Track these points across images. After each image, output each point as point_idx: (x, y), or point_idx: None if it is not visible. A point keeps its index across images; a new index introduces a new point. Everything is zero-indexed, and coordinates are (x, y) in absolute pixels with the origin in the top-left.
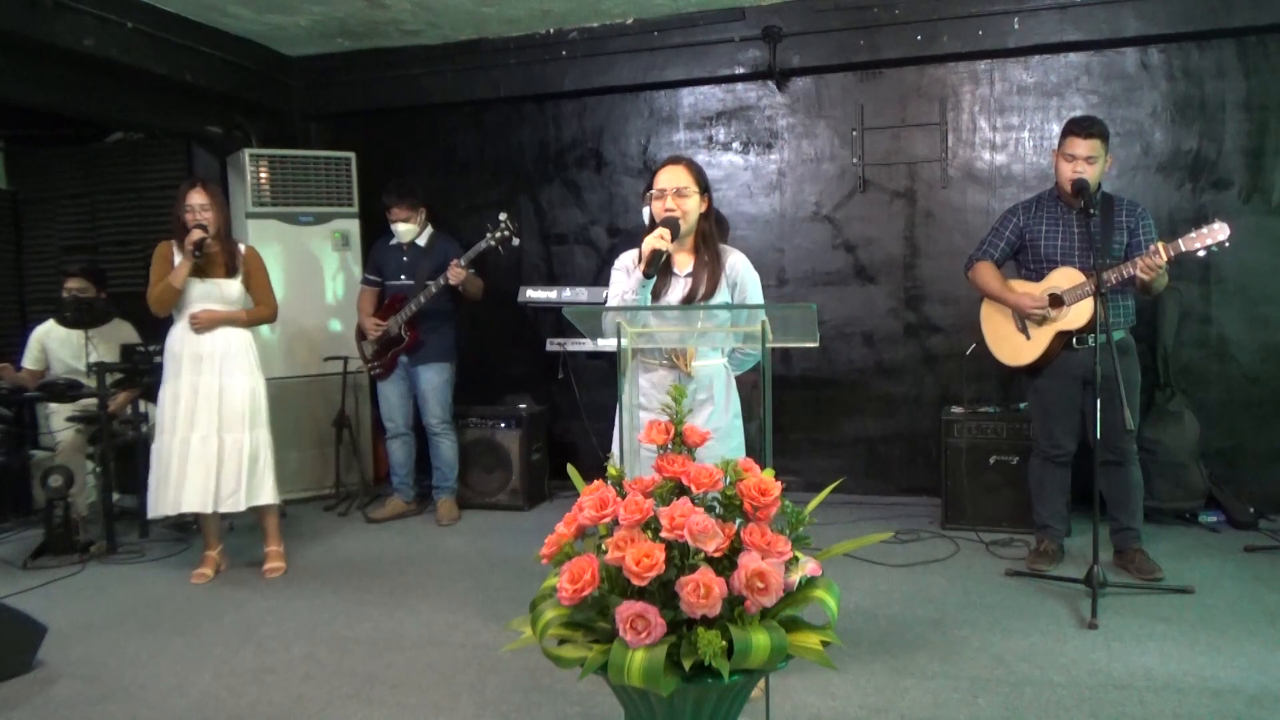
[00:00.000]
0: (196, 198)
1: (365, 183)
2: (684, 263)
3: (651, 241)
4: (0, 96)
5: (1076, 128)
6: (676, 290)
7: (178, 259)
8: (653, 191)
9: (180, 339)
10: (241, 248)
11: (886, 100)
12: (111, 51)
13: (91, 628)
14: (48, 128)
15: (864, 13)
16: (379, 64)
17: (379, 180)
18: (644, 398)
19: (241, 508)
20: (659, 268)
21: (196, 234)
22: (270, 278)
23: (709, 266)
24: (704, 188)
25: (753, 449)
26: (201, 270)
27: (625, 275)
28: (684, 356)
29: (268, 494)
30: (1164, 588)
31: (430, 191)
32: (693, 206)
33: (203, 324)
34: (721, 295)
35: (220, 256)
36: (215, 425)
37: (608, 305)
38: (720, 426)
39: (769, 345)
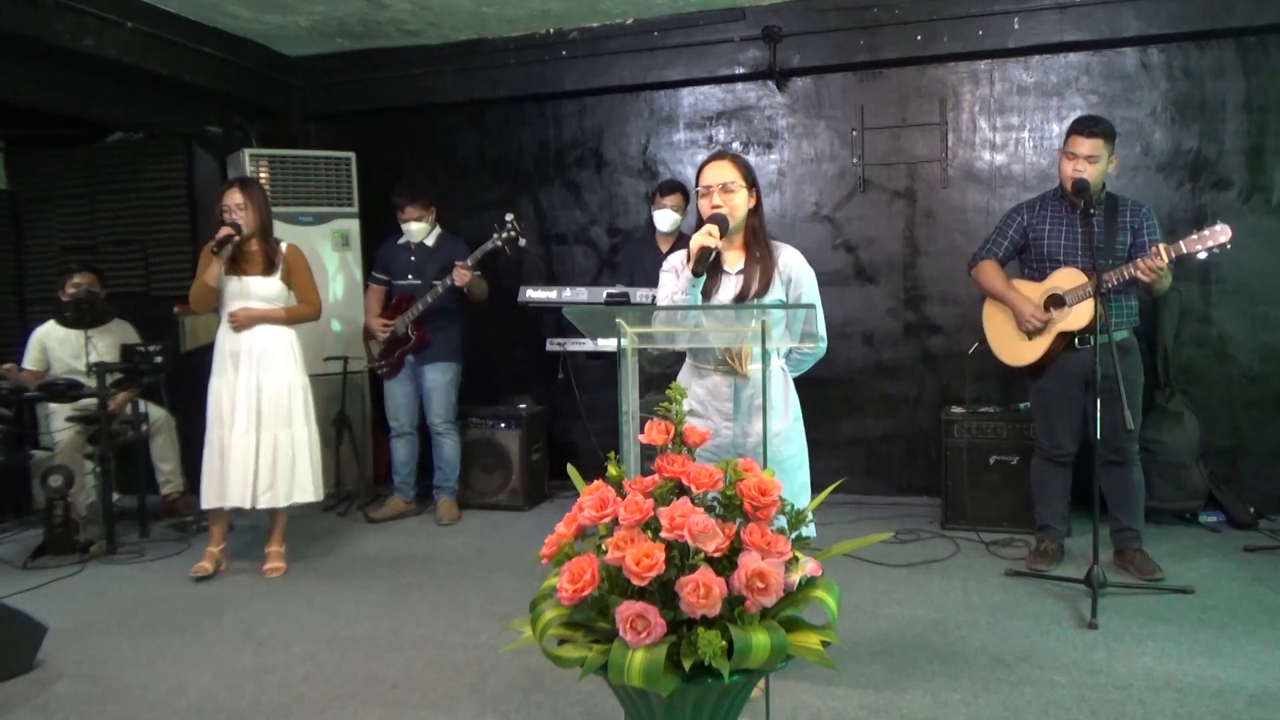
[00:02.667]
0: (232, 197)
1: (365, 183)
2: (734, 260)
3: (699, 238)
4: (0, 96)
5: (1080, 126)
6: (727, 289)
7: None
8: (697, 188)
9: (223, 337)
10: (283, 246)
11: (886, 100)
12: (111, 51)
13: (91, 628)
14: (48, 128)
15: (864, 13)
16: (379, 64)
17: (379, 180)
18: (699, 405)
19: (280, 504)
20: (708, 265)
21: (223, 231)
22: (312, 276)
23: (760, 263)
24: (751, 182)
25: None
26: (238, 268)
27: (674, 276)
28: (739, 358)
29: (308, 491)
30: (1164, 588)
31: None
32: (740, 202)
33: (241, 322)
34: (775, 293)
35: (259, 255)
36: (254, 423)
37: (657, 305)
38: (781, 431)
39: (770, 345)
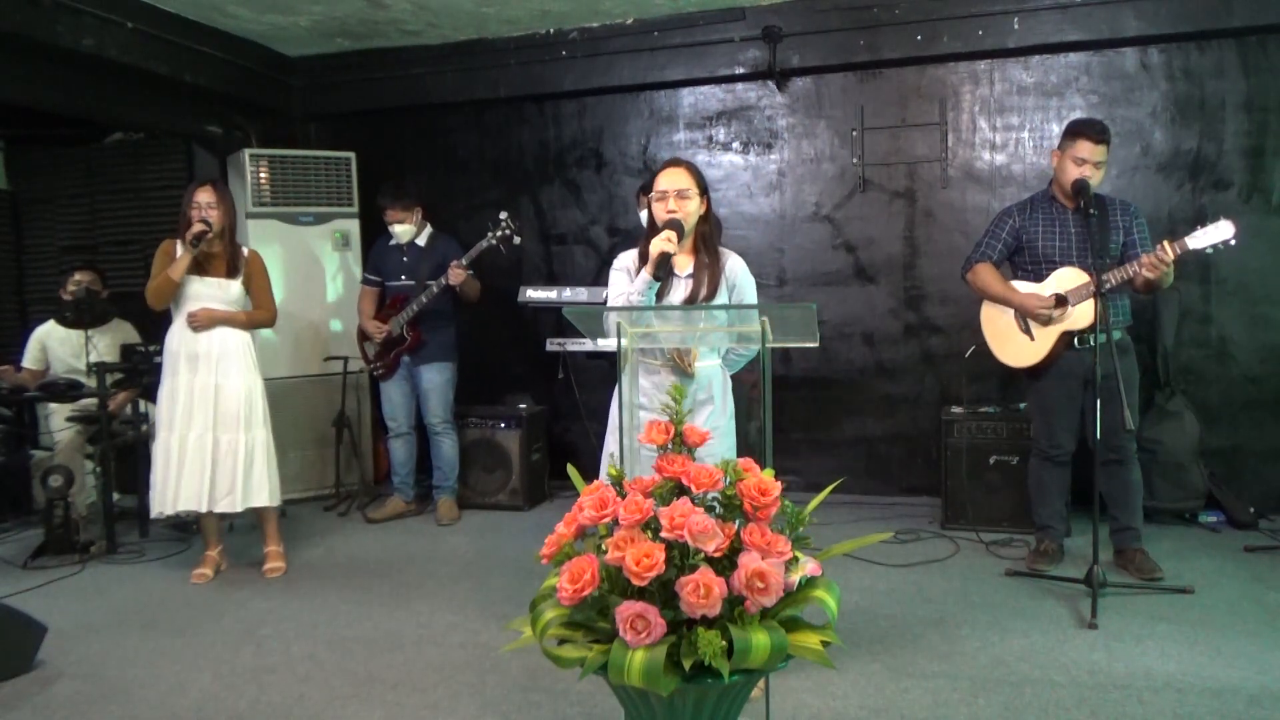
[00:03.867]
0: (204, 195)
1: (365, 183)
2: (684, 264)
3: (659, 244)
4: (0, 96)
5: (1091, 132)
6: (678, 291)
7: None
8: (653, 194)
9: (178, 337)
10: (245, 250)
11: (886, 100)
12: (111, 51)
13: (91, 628)
14: (48, 128)
15: (864, 13)
16: (379, 64)
17: (379, 180)
18: (645, 398)
19: (238, 509)
20: (668, 270)
21: (198, 226)
22: (271, 283)
23: (709, 268)
24: (703, 190)
25: (752, 449)
26: (202, 267)
27: (625, 275)
28: (686, 357)
29: (264, 495)
30: (1164, 588)
31: (430, 191)
32: (694, 209)
33: (201, 322)
34: (721, 297)
35: (223, 256)
36: (210, 424)
37: (609, 305)
38: (719, 426)
39: (769, 345)
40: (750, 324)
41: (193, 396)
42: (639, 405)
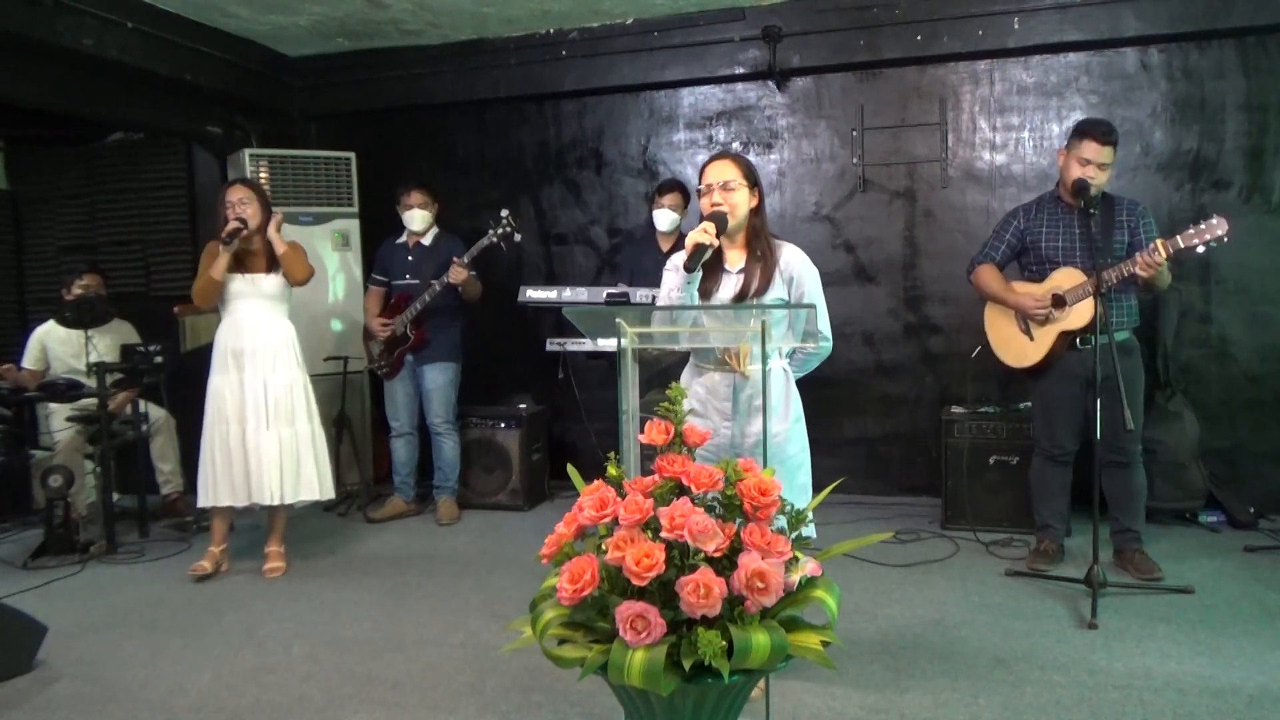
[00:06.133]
0: (235, 193)
1: (365, 183)
2: (735, 259)
3: (695, 236)
4: (0, 96)
5: (1097, 132)
6: (728, 287)
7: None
8: (699, 187)
9: (226, 334)
10: (284, 245)
11: (886, 100)
12: (111, 51)
13: (91, 628)
14: (48, 128)
15: (864, 13)
16: (379, 64)
17: (379, 180)
18: (698, 404)
19: (287, 500)
20: (701, 263)
21: (232, 224)
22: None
23: (761, 262)
24: (753, 182)
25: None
26: (242, 264)
27: (675, 273)
28: (738, 357)
29: (314, 489)
30: (1164, 588)
31: None
32: (741, 200)
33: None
34: (776, 292)
35: (261, 251)
36: (262, 419)
37: (656, 304)
38: (779, 433)
39: (770, 345)
40: (810, 321)
41: (243, 392)
42: (691, 411)
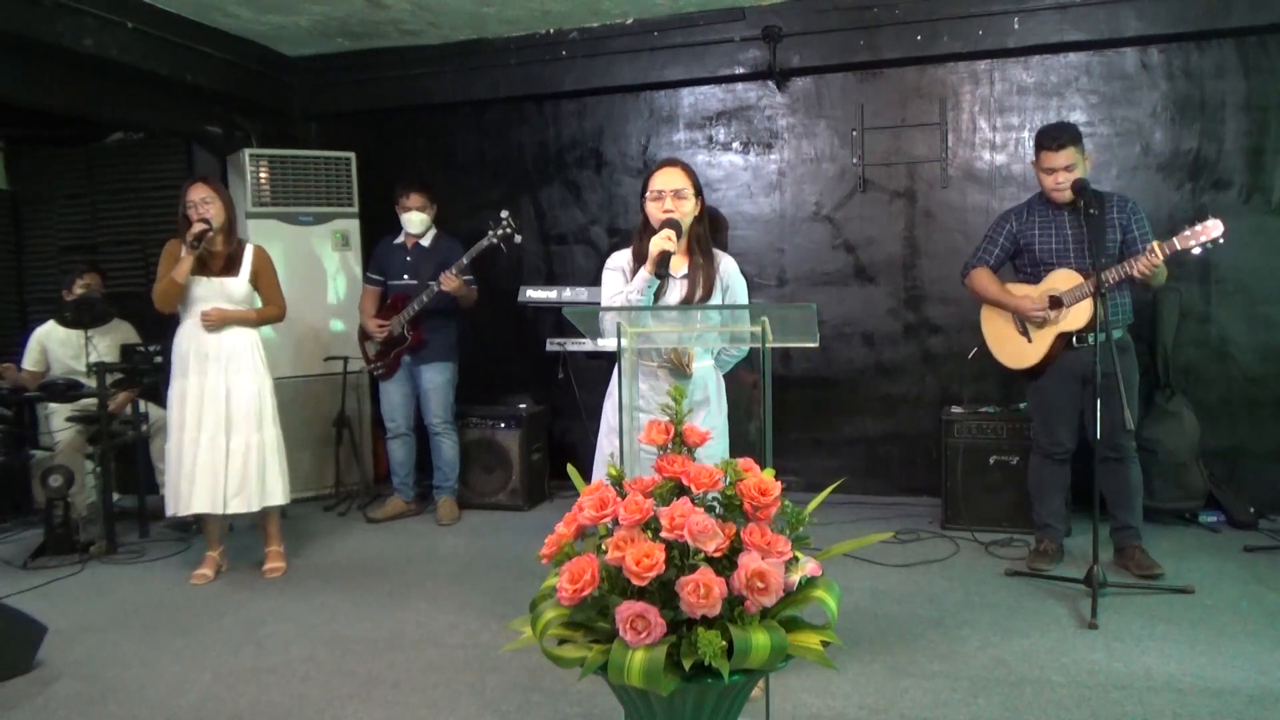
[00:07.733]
0: (197, 193)
1: (365, 183)
2: (679, 264)
3: (659, 243)
4: (0, 96)
5: (1047, 140)
6: (674, 292)
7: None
8: (648, 192)
9: (187, 338)
10: (249, 247)
11: (886, 100)
12: (111, 51)
13: (91, 628)
14: (48, 128)
15: (864, 13)
16: (379, 64)
17: (379, 180)
18: (642, 400)
19: (254, 508)
20: (668, 268)
21: (199, 226)
22: (278, 277)
23: (704, 269)
24: (698, 190)
25: (752, 449)
26: (206, 267)
27: (620, 275)
28: (684, 358)
29: (278, 495)
30: (1164, 588)
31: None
32: (689, 209)
33: (213, 322)
34: (715, 298)
35: (225, 254)
36: (222, 425)
37: (605, 306)
38: (715, 426)
39: (770, 345)
40: (744, 324)
41: (203, 397)
42: (636, 408)
